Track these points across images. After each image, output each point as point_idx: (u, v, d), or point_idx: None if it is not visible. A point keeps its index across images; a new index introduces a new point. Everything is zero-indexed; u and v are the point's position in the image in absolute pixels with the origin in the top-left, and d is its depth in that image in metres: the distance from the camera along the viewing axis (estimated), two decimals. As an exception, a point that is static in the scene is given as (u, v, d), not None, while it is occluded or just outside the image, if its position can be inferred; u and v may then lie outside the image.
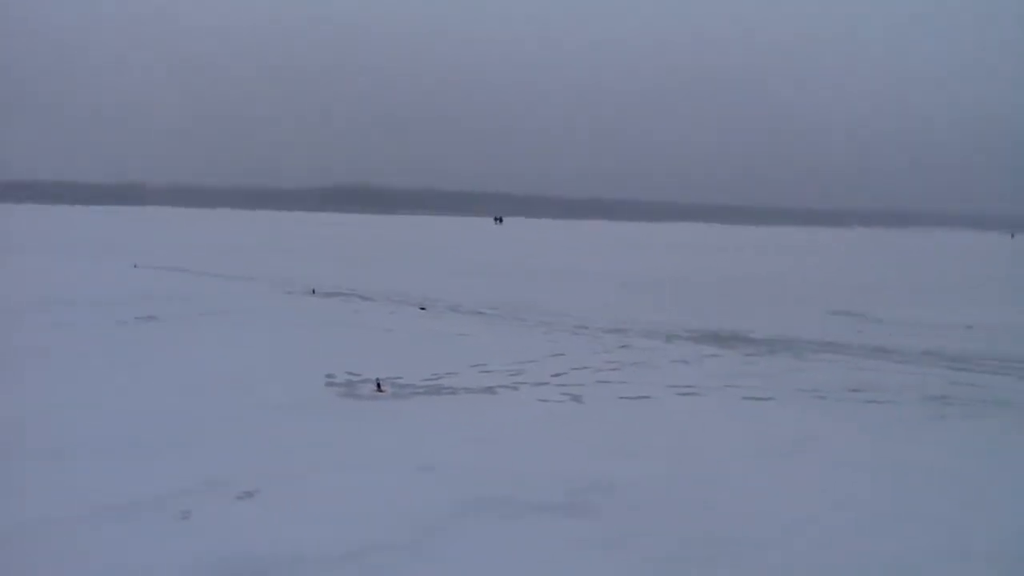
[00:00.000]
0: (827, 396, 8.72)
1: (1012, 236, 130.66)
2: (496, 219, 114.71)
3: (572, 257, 36.24)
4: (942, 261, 44.01)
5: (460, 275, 23.64)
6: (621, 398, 8.33)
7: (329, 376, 8.92)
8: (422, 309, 15.16)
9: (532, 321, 13.92)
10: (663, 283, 22.89)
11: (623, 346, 11.56)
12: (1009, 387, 9.50)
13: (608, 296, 18.77)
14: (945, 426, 7.63)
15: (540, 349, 11.02)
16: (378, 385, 8.41)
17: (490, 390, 8.54)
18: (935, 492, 5.73)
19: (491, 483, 5.63)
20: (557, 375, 9.36)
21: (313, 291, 17.58)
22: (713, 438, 6.94)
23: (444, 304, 16.03)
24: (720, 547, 4.69)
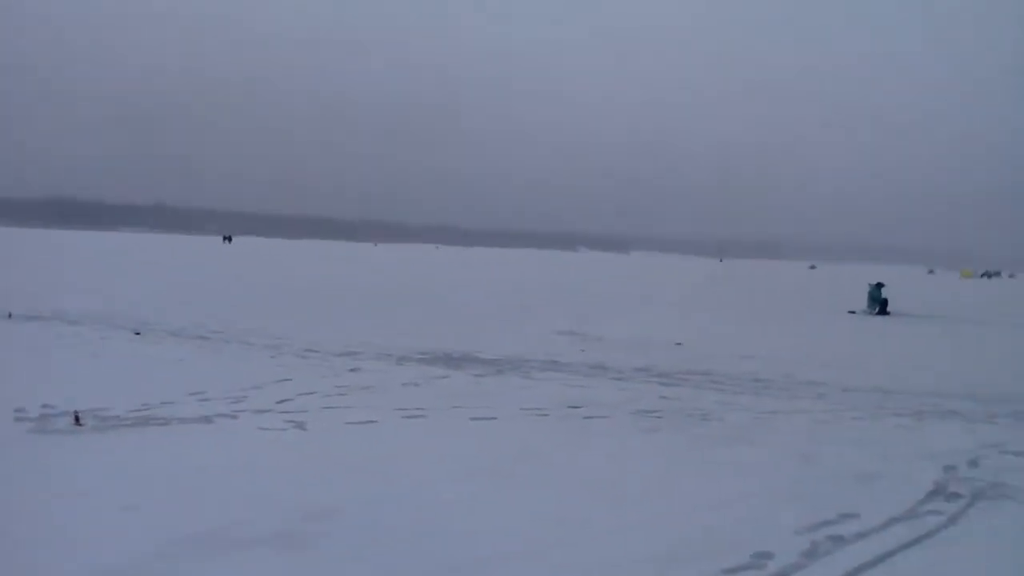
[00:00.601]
0: (550, 413, 9.04)
1: (721, 260, 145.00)
2: (225, 238, 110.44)
3: (305, 277, 35.42)
4: (660, 282, 47.64)
5: (184, 296, 22.29)
6: (347, 423, 8.14)
7: (19, 410, 7.97)
8: (137, 334, 14.08)
9: (259, 345, 13.36)
10: (396, 303, 22.91)
11: (353, 369, 11.36)
12: (711, 400, 10.33)
13: (341, 317, 18.46)
14: (655, 438, 8.14)
15: (265, 374, 10.57)
16: (76, 418, 7.63)
17: (207, 419, 8.02)
18: (647, 502, 6.07)
19: (200, 519, 5.25)
20: (281, 401, 8.99)
21: (10, 315, 15.81)
22: (437, 461, 6.94)
23: (164, 328, 15.00)
24: (439, 572, 4.65)
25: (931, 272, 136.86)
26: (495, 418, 8.66)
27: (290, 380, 10.25)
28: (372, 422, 8.22)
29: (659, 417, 9.10)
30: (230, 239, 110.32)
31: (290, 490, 5.95)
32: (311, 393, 9.51)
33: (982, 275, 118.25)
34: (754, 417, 9.35)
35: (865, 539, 5.44)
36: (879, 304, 28.14)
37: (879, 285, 28.97)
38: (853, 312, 28.44)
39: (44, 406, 8.15)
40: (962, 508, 6.25)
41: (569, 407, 9.40)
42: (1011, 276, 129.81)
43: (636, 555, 4.98)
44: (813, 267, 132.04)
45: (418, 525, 5.34)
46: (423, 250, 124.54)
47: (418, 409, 8.91)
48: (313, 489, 5.99)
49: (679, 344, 16.20)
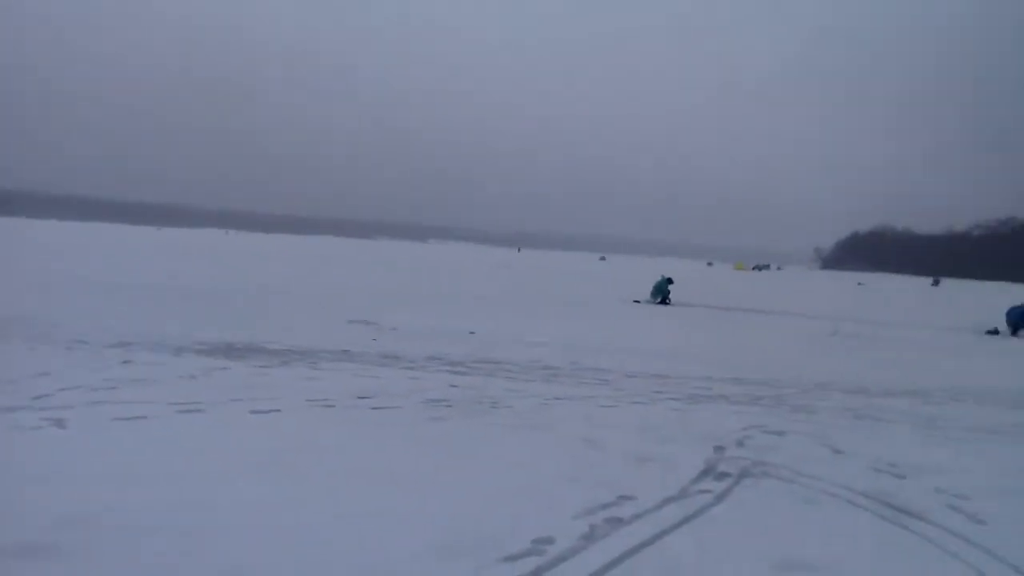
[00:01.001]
0: (336, 404, 8.80)
1: (519, 250, 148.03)
2: None
3: (77, 262, 32.82)
4: (458, 271, 47.93)
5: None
6: (114, 420, 7.53)
7: None
8: None
9: (18, 336, 12.16)
10: (177, 292, 21.66)
11: (125, 362, 10.57)
12: (499, 387, 10.43)
13: (114, 306, 17.19)
14: (443, 427, 8.09)
15: (22, 368, 9.62)
16: None
17: (-53, 419, 7.18)
18: (430, 492, 5.99)
19: (-72, 534, 4.66)
20: (39, 397, 8.20)
21: None
22: (212, 457, 6.55)
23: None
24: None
25: (710, 264, 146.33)
26: (278, 411, 8.31)
27: (50, 374, 9.38)
28: (142, 418, 7.66)
29: (448, 406, 9.07)
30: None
31: (42, 493, 5.41)
32: (75, 388, 8.74)
33: (754, 268, 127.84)
34: (541, 403, 9.52)
35: (641, 519, 5.63)
36: (662, 294, 29.71)
37: (669, 280, 30.62)
38: (638, 301, 29.86)
39: None
40: (729, 486, 6.61)
41: (358, 397, 9.20)
42: (779, 268, 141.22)
43: (416, 547, 4.89)
44: (603, 258, 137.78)
45: (187, 527, 5.00)
46: (212, 235, 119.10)
47: (194, 403, 8.40)
48: (69, 492, 5.47)
49: (473, 333, 16.32)
